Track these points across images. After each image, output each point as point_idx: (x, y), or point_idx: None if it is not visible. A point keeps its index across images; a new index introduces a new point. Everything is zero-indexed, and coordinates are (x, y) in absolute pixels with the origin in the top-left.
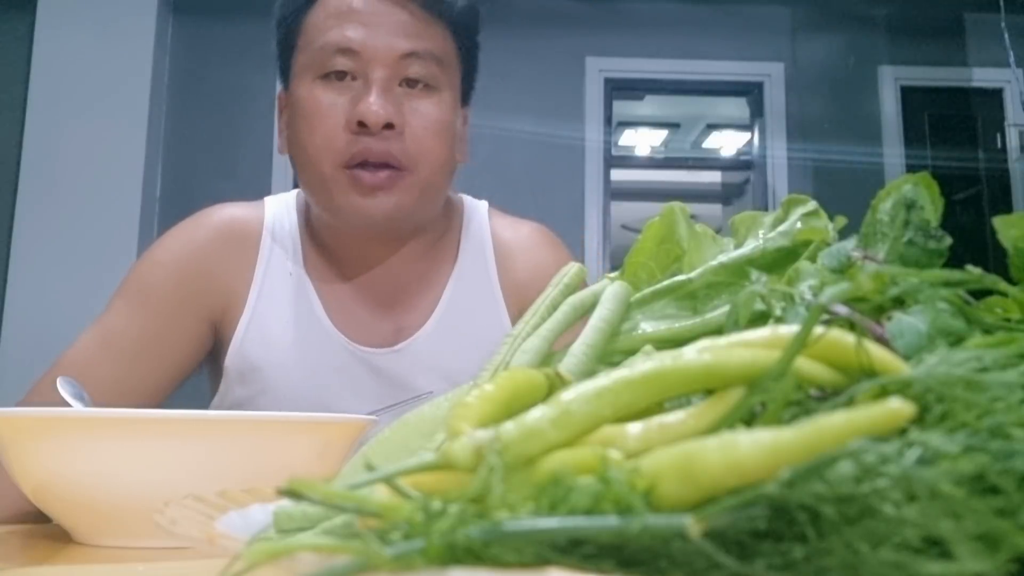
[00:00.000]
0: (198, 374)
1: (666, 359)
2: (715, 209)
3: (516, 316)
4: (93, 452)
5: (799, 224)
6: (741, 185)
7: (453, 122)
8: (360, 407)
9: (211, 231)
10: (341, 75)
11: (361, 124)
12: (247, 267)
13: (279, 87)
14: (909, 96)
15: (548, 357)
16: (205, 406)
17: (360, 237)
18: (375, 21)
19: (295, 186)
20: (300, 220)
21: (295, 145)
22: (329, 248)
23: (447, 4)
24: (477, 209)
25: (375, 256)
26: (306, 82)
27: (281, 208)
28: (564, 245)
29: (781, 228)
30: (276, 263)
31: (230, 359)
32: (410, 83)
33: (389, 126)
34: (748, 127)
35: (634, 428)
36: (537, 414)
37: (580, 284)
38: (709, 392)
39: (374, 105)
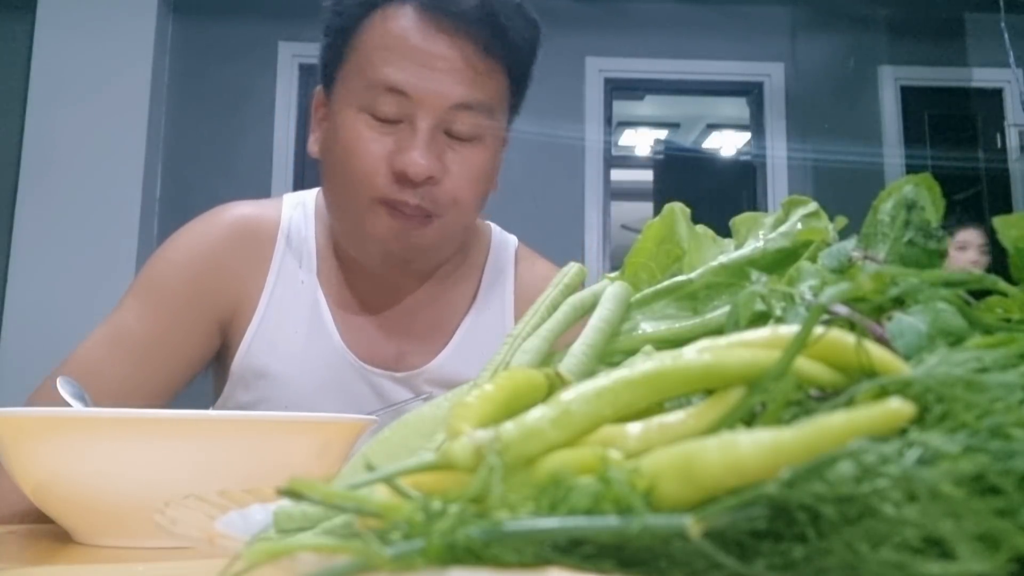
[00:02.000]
0: (203, 375)
1: (666, 359)
2: None
3: None
4: (93, 452)
5: (799, 225)
6: None
7: (492, 167)
8: None
9: (224, 230)
10: (388, 115)
11: (403, 173)
12: (259, 270)
13: (318, 87)
14: (909, 96)
15: (548, 357)
16: (207, 407)
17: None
18: (430, 62)
19: (295, 186)
20: (318, 226)
21: (331, 165)
22: (346, 261)
23: (507, 44)
24: (505, 246)
25: (392, 277)
26: (351, 110)
27: (298, 211)
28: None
29: (782, 229)
30: (289, 269)
31: (236, 363)
32: (456, 134)
33: (429, 178)
34: (748, 127)
35: (634, 428)
36: (537, 414)
37: (580, 284)
38: (709, 392)
39: (419, 158)
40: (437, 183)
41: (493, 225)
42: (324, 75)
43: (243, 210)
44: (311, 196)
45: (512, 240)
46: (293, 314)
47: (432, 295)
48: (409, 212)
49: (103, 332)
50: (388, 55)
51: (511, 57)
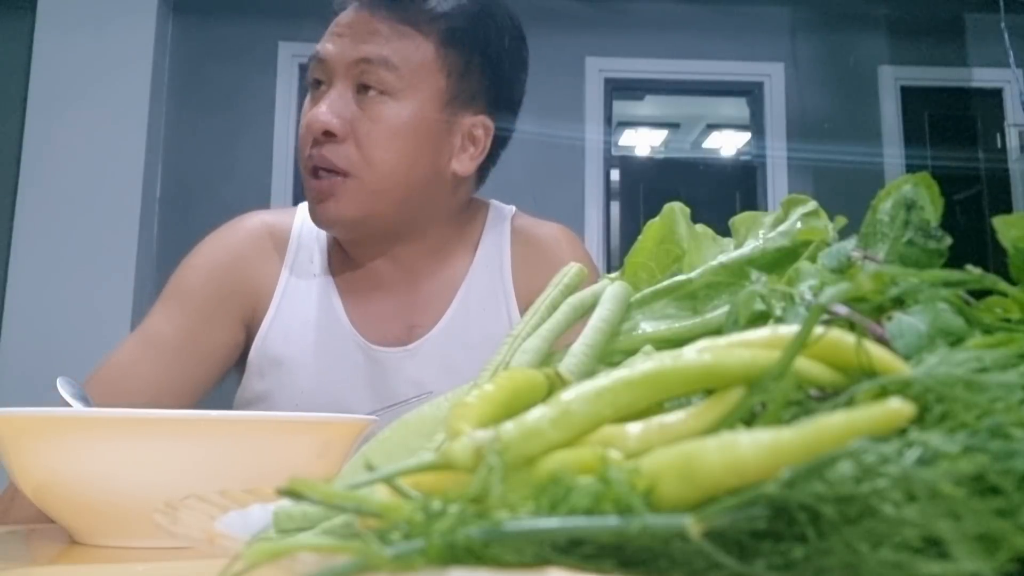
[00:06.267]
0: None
1: (666, 359)
2: None
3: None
4: (93, 452)
5: (799, 224)
6: None
7: (412, 127)
8: (373, 404)
9: (245, 236)
10: (317, 83)
11: (308, 129)
12: (275, 268)
13: None
14: (909, 96)
15: (548, 357)
16: (222, 405)
17: (347, 242)
18: (348, 32)
19: (295, 186)
20: None
21: None
22: (352, 251)
23: (428, 15)
24: (502, 214)
25: (387, 256)
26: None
27: None
28: (582, 244)
29: (781, 228)
30: (302, 265)
31: (253, 353)
32: (364, 88)
33: (329, 134)
34: (748, 127)
35: (634, 428)
36: (537, 414)
37: (580, 284)
38: (709, 392)
39: (319, 114)
40: (341, 141)
41: (492, 200)
42: None
43: (261, 218)
44: None
45: (510, 209)
46: (305, 305)
47: (432, 269)
48: (316, 166)
49: (135, 338)
50: (324, 36)
51: (436, 26)
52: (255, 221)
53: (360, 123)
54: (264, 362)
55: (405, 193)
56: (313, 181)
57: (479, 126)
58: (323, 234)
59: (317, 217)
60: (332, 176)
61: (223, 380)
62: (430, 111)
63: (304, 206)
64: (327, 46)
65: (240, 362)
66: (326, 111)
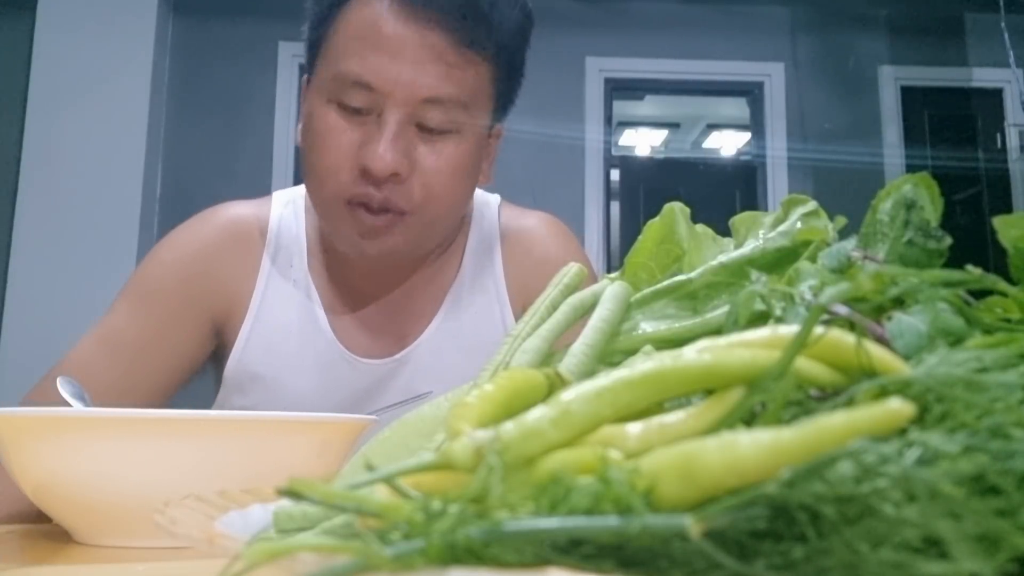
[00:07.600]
0: (202, 375)
1: (666, 359)
2: None
3: (522, 310)
4: (93, 452)
5: (799, 224)
6: None
7: (472, 160)
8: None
9: (216, 230)
10: (353, 109)
11: (366, 169)
12: (250, 271)
13: (306, 75)
14: (909, 96)
15: (548, 357)
16: (207, 406)
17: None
18: (400, 53)
19: (295, 186)
20: (308, 221)
21: (305, 155)
22: (336, 254)
23: (489, 33)
24: (488, 205)
25: (383, 269)
26: (321, 100)
27: (289, 208)
28: (573, 236)
29: (781, 228)
30: (280, 269)
31: (230, 369)
32: (428, 128)
33: (394, 175)
34: (748, 127)
35: (634, 428)
36: (537, 414)
37: (580, 284)
38: (709, 392)
39: (381, 153)
40: (404, 180)
41: (477, 190)
42: (307, 62)
43: (235, 211)
44: (301, 192)
45: (495, 199)
46: (285, 315)
47: (424, 277)
48: (376, 209)
49: (95, 334)
50: (357, 46)
51: (494, 46)
52: (229, 213)
53: (425, 161)
54: (244, 378)
55: (453, 220)
56: (364, 215)
57: (495, 136)
58: (303, 233)
59: (363, 250)
60: (388, 214)
61: (187, 384)
62: (482, 136)
63: (281, 196)
64: (373, 69)
65: (216, 371)
66: (392, 152)
